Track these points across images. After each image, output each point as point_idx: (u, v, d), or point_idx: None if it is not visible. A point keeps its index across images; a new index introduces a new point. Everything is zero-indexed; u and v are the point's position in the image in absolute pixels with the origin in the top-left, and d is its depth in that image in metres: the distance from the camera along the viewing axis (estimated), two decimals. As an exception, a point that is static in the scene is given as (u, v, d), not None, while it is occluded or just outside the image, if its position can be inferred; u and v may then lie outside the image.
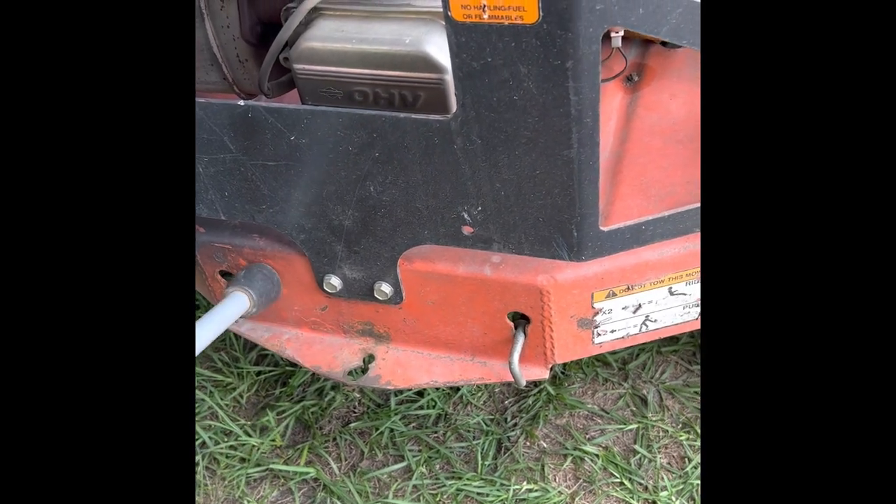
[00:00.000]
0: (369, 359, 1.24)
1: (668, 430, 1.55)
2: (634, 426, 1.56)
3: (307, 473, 1.55)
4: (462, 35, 0.78)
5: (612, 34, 1.25)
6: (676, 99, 1.27)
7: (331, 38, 0.97)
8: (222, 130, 0.99)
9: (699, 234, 1.00)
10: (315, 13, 1.00)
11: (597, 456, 1.51)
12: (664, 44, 1.37)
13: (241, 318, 1.12)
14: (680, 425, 1.56)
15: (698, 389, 1.60)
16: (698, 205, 0.96)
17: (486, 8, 0.75)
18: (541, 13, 0.74)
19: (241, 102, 0.95)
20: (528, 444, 1.56)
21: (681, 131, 1.20)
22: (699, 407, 1.57)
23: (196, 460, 1.60)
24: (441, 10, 0.92)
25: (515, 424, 1.59)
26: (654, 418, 1.57)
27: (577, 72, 0.77)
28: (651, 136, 1.21)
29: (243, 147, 1.00)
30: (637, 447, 1.52)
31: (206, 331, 1.02)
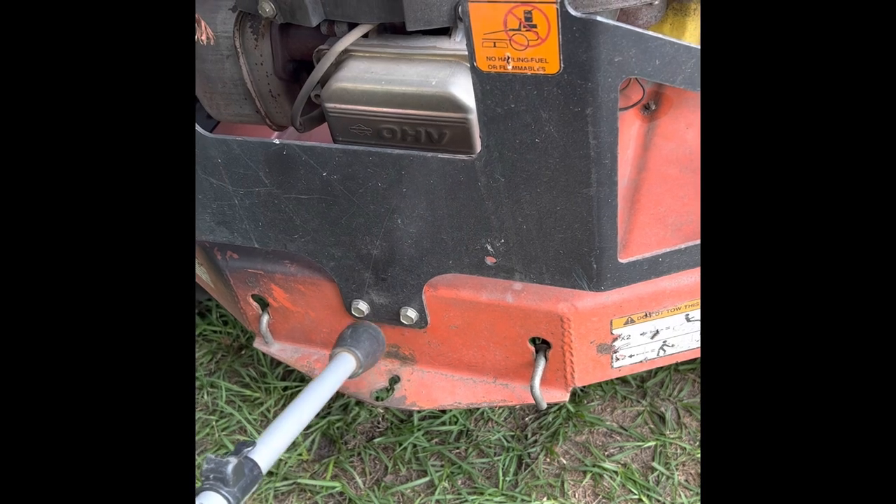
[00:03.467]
0: (395, 380, 1.28)
1: (685, 448, 1.58)
2: (652, 443, 1.60)
3: (333, 487, 1.59)
4: (487, 83, 0.83)
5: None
6: (692, 128, 1.31)
7: (361, 79, 1.02)
8: (258, 166, 1.04)
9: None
10: (345, 55, 1.05)
11: (615, 472, 1.54)
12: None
13: (349, 377, 1.14)
14: (697, 443, 1.59)
15: (715, 407, 1.63)
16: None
17: (510, 59, 0.80)
18: (562, 65, 0.78)
19: (277, 141, 1.01)
20: (548, 460, 1.59)
21: (696, 160, 1.24)
22: (716, 425, 1.60)
23: (226, 474, 1.66)
24: (465, 52, 0.97)
25: (536, 441, 1.63)
26: (671, 436, 1.60)
27: (597, 118, 0.82)
28: (667, 165, 1.24)
29: (278, 181, 1.05)
30: (655, 464, 1.55)
31: (317, 393, 1.05)
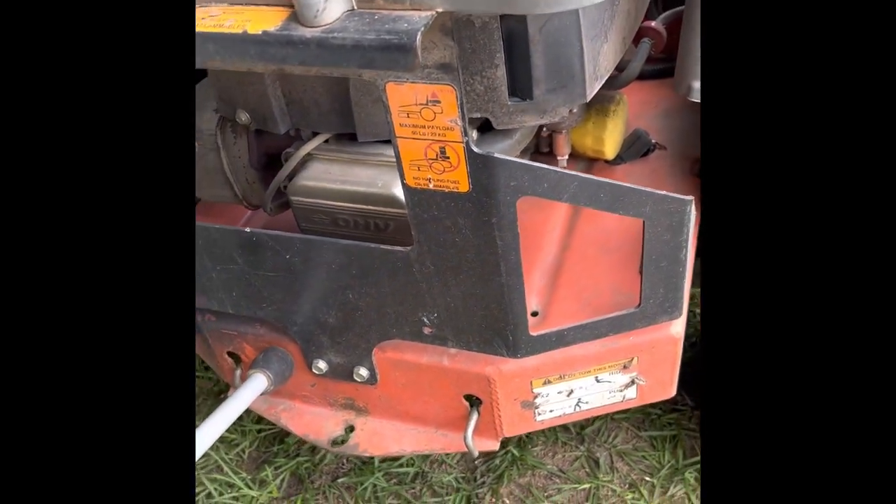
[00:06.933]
0: (350, 429, 1.47)
1: (615, 490, 1.76)
2: (587, 485, 1.78)
3: (299, 523, 1.76)
4: (415, 196, 1.03)
5: (559, 157, 1.50)
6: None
7: (321, 178, 1.23)
8: (232, 249, 1.24)
9: (614, 335, 1.23)
10: (309, 157, 1.25)
11: (552, 512, 1.72)
12: (607, 161, 1.62)
13: (261, 395, 1.34)
14: (627, 486, 1.77)
15: (645, 453, 1.82)
16: (611, 314, 1.21)
17: (431, 180, 1.00)
18: (471, 185, 0.99)
19: (248, 230, 1.20)
20: (493, 500, 1.77)
21: (611, 241, 1.44)
22: (644, 469, 1.79)
23: (202, 509, 1.83)
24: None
25: (483, 483, 1.81)
26: (604, 479, 1.78)
27: (501, 226, 1.02)
28: (587, 246, 1.45)
29: (249, 261, 1.25)
30: (588, 504, 1.73)
31: (231, 409, 1.26)
